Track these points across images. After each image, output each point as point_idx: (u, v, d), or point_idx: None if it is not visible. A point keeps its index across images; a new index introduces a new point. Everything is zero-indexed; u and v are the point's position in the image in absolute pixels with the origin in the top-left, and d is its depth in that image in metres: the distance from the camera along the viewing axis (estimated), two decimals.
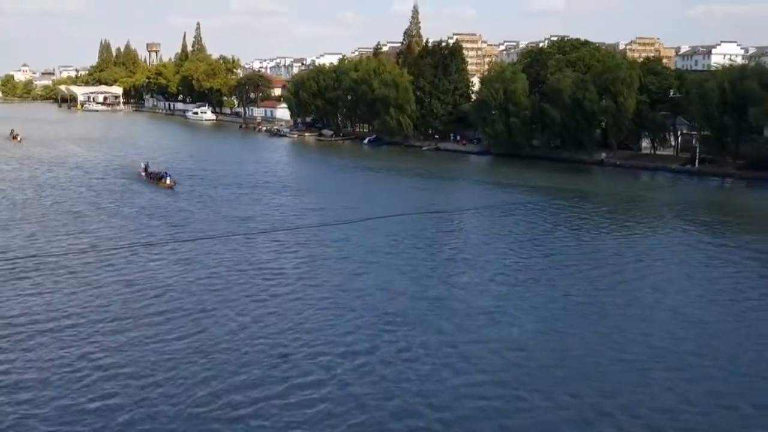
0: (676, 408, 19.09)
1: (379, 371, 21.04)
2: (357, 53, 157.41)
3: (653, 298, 28.44)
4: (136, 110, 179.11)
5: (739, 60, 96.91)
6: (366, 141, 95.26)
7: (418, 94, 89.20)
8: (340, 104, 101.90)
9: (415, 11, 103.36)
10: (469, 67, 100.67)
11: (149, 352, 22.24)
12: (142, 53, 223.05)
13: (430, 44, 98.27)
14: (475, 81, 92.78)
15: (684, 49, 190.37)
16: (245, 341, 23.24)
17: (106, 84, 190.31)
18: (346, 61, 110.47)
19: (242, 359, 21.84)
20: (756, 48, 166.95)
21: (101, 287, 28.78)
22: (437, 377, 20.81)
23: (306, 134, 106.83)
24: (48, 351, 22.29)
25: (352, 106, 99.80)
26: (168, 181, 54.90)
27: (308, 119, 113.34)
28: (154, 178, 57.12)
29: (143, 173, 59.88)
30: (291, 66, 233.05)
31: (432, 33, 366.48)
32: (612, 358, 22.16)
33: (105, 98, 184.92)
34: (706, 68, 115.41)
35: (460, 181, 63.77)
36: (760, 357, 22.55)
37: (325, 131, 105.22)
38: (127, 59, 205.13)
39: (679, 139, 71.23)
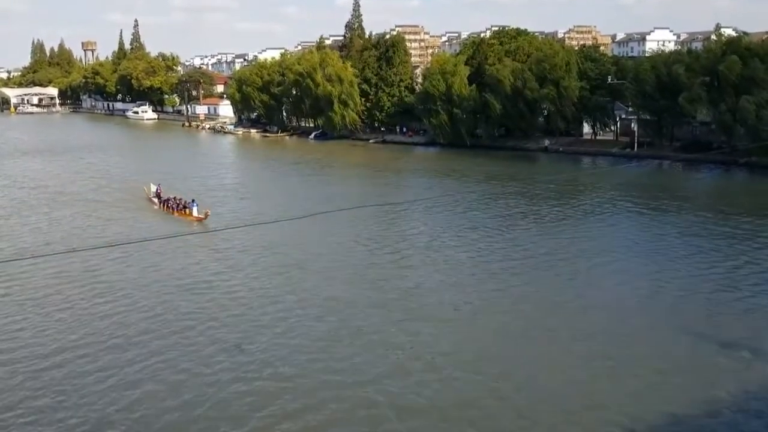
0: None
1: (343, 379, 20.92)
2: (300, 48, 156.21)
3: (601, 278, 29.39)
4: (73, 111, 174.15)
5: (671, 46, 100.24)
6: (312, 136, 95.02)
7: (363, 87, 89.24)
8: (284, 100, 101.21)
9: (357, 3, 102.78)
10: (412, 59, 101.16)
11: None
12: (77, 52, 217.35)
13: (372, 37, 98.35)
14: (419, 73, 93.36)
15: (620, 36, 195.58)
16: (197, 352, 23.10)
17: (41, 85, 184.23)
18: (289, 56, 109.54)
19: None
20: (687, 34, 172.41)
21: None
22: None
23: (251, 131, 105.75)
24: None
25: (296, 102, 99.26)
26: (195, 213, 42.56)
27: (253, 115, 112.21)
28: (173, 208, 44.36)
29: (154, 199, 47.57)
30: (233, 62, 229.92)
31: (375, 25, 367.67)
32: (573, 349, 22.79)
33: (40, 100, 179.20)
34: (641, 54, 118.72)
35: (408, 173, 64.11)
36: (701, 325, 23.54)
37: (270, 127, 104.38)
38: (61, 59, 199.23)
39: (619, 123, 73.30)
